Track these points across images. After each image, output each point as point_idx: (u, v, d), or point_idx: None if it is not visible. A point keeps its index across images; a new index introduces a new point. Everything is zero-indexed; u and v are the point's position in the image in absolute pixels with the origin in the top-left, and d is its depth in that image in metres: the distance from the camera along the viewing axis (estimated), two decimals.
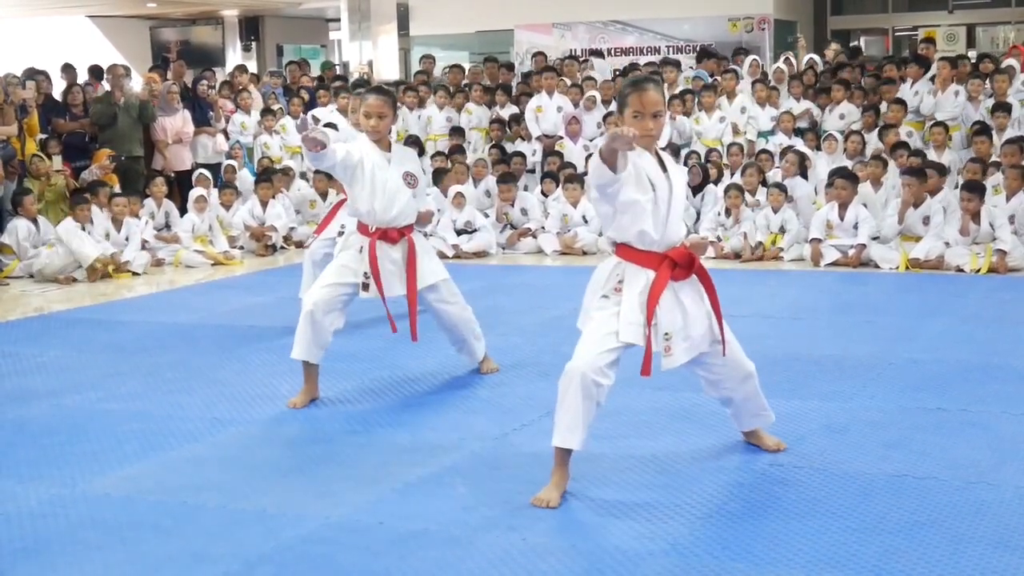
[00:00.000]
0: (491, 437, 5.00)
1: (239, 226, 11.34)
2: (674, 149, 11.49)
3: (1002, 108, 11.11)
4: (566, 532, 3.95)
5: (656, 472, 4.49)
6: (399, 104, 11.71)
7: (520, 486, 4.29)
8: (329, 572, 3.65)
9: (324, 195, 11.60)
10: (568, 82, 13.05)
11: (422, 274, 5.68)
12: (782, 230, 10.33)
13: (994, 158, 10.44)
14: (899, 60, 13.27)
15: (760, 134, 12.27)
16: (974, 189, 9.57)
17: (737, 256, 10.23)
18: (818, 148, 11.67)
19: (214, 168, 12.46)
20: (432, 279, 5.74)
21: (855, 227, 9.79)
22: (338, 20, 20.96)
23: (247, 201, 11.59)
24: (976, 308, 7.94)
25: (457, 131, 12.93)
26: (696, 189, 11.06)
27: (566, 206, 11.10)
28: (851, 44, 18.38)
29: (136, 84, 13.36)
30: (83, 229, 9.98)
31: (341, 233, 6.33)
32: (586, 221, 10.89)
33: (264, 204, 11.40)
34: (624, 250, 4.24)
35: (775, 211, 10.36)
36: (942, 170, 10.23)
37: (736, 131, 12.18)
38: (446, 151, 12.43)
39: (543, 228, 11.23)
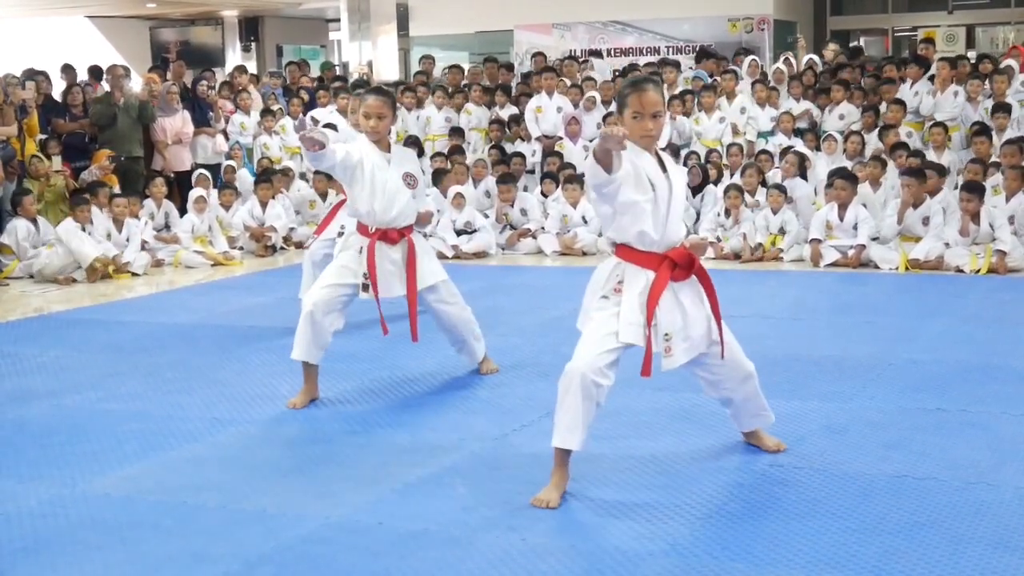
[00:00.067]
0: (491, 437, 5.00)
1: (239, 227, 11.35)
2: (674, 149, 11.49)
3: (1002, 109, 11.11)
4: (566, 532, 3.95)
5: (656, 472, 4.49)
6: (398, 105, 11.70)
7: (520, 486, 4.29)
8: (329, 572, 3.65)
9: (324, 196, 11.60)
10: (568, 82, 13.05)
11: (422, 275, 5.68)
12: (782, 231, 10.34)
13: (994, 158, 10.44)
14: (899, 60, 13.28)
15: (760, 134, 12.27)
16: (974, 190, 9.58)
17: (737, 257, 10.23)
18: (818, 148, 11.67)
19: (214, 169, 12.46)
20: (432, 280, 5.74)
21: (855, 228, 9.79)
22: (338, 20, 20.96)
23: (247, 202, 11.59)
24: (976, 309, 7.94)
25: (457, 132, 12.92)
26: (696, 190, 11.06)
27: (566, 207, 11.11)
28: (851, 44, 18.38)
29: (136, 84, 13.36)
30: (83, 230, 9.98)
31: (341, 234, 6.33)
32: (586, 221, 10.89)
33: (264, 205, 11.40)
34: (624, 251, 4.24)
35: (774, 212, 10.36)
36: (941, 171, 10.23)
37: (736, 131, 12.18)
38: (446, 152, 12.43)
39: (543, 229, 11.23)
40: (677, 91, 12.66)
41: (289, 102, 13.33)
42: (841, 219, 9.85)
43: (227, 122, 13.32)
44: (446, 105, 13.23)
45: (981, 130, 10.89)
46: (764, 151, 11.58)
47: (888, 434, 4.91)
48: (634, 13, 18.23)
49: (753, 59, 13.55)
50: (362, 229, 5.67)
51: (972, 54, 16.53)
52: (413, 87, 13.72)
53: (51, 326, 8.00)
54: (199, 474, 4.63)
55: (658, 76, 11.20)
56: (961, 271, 9.29)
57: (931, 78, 12.05)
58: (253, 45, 23.32)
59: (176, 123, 12.62)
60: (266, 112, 13.25)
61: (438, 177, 11.43)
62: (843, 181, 9.95)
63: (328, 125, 8.53)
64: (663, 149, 4.76)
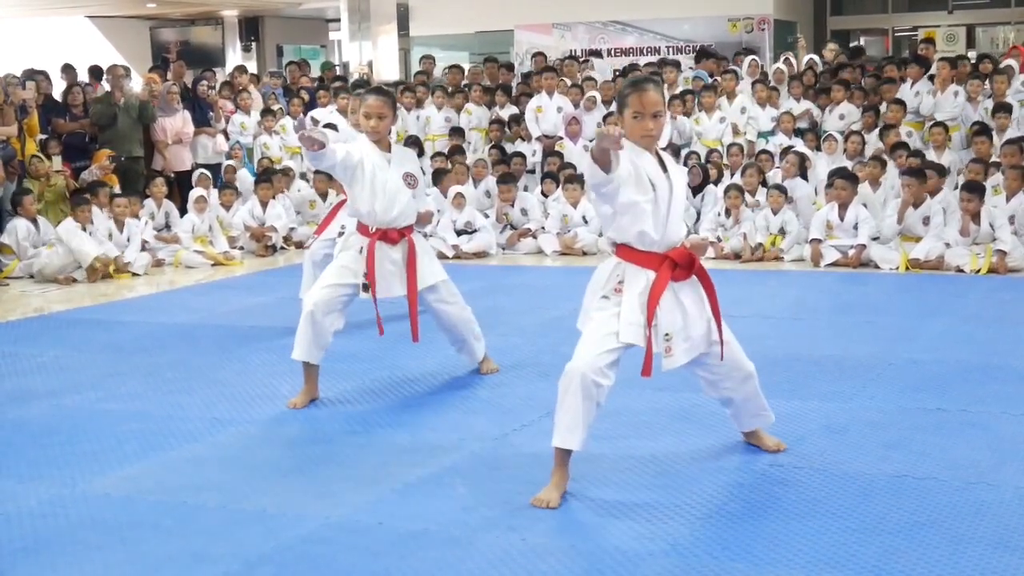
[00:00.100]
0: (491, 437, 5.00)
1: (239, 226, 11.35)
2: (674, 149, 11.50)
3: (1003, 109, 11.10)
4: (566, 532, 3.95)
5: (656, 472, 4.49)
6: (397, 105, 11.71)
7: (520, 486, 4.29)
8: (329, 572, 3.65)
9: (324, 196, 11.60)
10: (568, 82, 13.05)
11: (422, 275, 5.68)
12: (782, 232, 10.33)
13: (994, 158, 10.44)
14: (899, 60, 13.28)
15: (760, 134, 12.27)
16: (974, 189, 9.58)
17: (737, 256, 10.23)
18: (818, 148, 11.67)
19: (214, 168, 12.46)
20: (432, 280, 5.74)
21: (855, 227, 9.79)
22: (338, 20, 20.96)
23: (247, 201, 11.59)
24: (976, 308, 7.94)
25: (457, 131, 12.92)
26: (696, 190, 11.06)
27: (566, 206, 11.11)
28: (851, 44, 18.38)
29: (136, 84, 13.36)
30: (84, 230, 9.98)
31: (341, 234, 6.33)
32: (586, 221, 10.89)
33: (264, 204, 11.41)
34: (624, 251, 4.24)
35: (775, 213, 10.36)
36: (941, 171, 10.24)
37: (736, 131, 12.18)
38: (446, 152, 12.43)
39: (543, 228, 11.23)
40: (677, 91, 12.67)
41: (289, 102, 13.34)
42: (841, 219, 9.85)
43: (227, 122, 13.32)
44: (446, 105, 13.23)
45: (981, 130, 10.89)
46: (764, 151, 11.59)
47: (888, 434, 4.91)
48: (634, 13, 18.23)
49: (753, 59, 13.55)
50: (362, 229, 5.66)
51: (972, 54, 16.53)
52: (412, 87, 13.72)
53: (51, 326, 8.00)
54: (199, 474, 4.63)
55: (658, 76, 11.21)
56: (961, 271, 9.29)
57: (931, 78, 12.05)
58: (253, 45, 23.32)
59: (176, 123, 12.62)
60: (266, 112, 13.26)
61: (438, 177, 11.43)
62: (843, 181, 9.95)
63: (328, 125, 8.55)
64: (664, 149, 4.76)
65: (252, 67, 19.36)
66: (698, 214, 11.08)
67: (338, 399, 5.69)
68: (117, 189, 11.37)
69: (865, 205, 10.04)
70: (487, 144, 12.80)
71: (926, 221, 9.73)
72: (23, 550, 3.88)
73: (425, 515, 4.08)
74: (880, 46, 20.21)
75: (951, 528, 3.85)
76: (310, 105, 13.09)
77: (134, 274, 10.14)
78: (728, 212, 10.58)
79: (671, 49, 17.69)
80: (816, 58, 13.79)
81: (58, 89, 13.08)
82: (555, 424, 4.17)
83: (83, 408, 5.68)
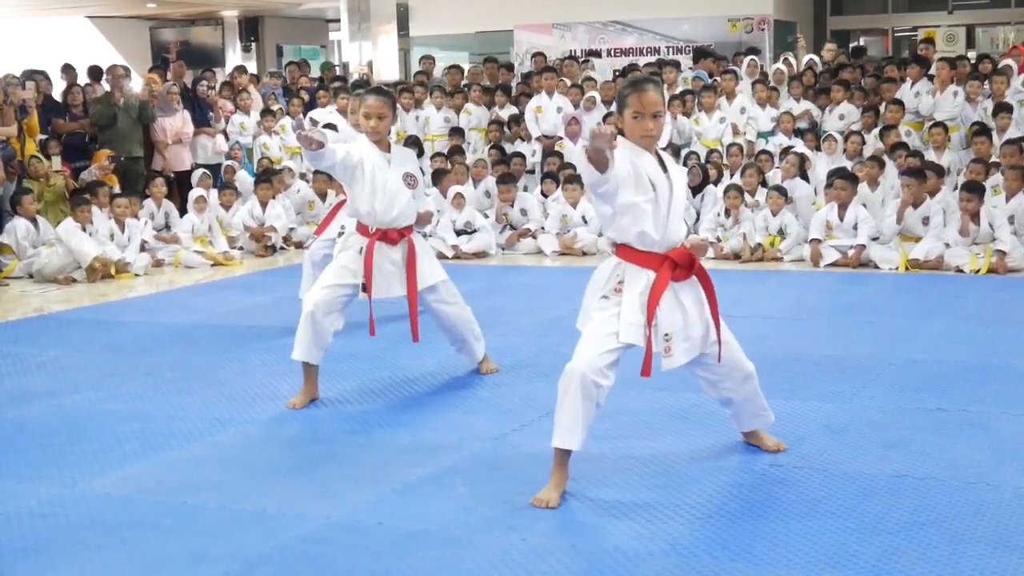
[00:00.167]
0: (491, 437, 5.00)
1: (239, 227, 11.35)
2: (674, 149, 11.50)
3: (1004, 109, 11.10)
4: (566, 532, 3.95)
5: (656, 472, 4.49)
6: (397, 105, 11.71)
7: (520, 486, 4.29)
8: (329, 572, 3.65)
9: (323, 196, 11.60)
10: (568, 82, 13.05)
11: (422, 275, 5.68)
12: (781, 233, 10.33)
13: (993, 158, 10.44)
14: (899, 61, 13.28)
15: (760, 135, 12.28)
16: (973, 189, 9.58)
17: (737, 257, 10.23)
18: (818, 149, 11.67)
19: (214, 169, 12.46)
20: (432, 280, 5.74)
21: (855, 228, 9.80)
22: (338, 21, 20.97)
23: (247, 202, 11.59)
24: (976, 309, 7.95)
25: (457, 132, 12.92)
26: (696, 190, 11.06)
27: (566, 207, 11.11)
28: (851, 44, 18.39)
29: (136, 85, 13.36)
30: (83, 230, 9.98)
31: (341, 234, 6.33)
32: (586, 221, 10.89)
33: (264, 205, 11.41)
34: (624, 251, 4.24)
35: (774, 214, 10.36)
36: (939, 171, 10.24)
37: (736, 132, 12.18)
38: (446, 152, 12.43)
39: (543, 229, 11.23)
40: (677, 91, 12.67)
41: (289, 102, 13.34)
42: (841, 219, 9.85)
43: (227, 122, 13.32)
44: (445, 105, 13.23)
45: (981, 130, 10.89)
46: (764, 151, 11.59)
47: (888, 434, 4.92)
48: (634, 13, 18.24)
49: (752, 59, 13.55)
50: (362, 229, 5.67)
51: (972, 54, 16.53)
52: (411, 87, 13.72)
53: (51, 326, 8.00)
54: (199, 474, 4.63)
55: (658, 76, 11.22)
56: (961, 271, 9.30)
57: (931, 78, 12.06)
58: (253, 45, 23.33)
59: (176, 123, 12.62)
60: (266, 112, 13.26)
61: (438, 177, 11.43)
62: (843, 181, 9.95)
63: (328, 125, 8.56)
64: (664, 149, 4.76)
65: (252, 67, 19.37)
66: (698, 214, 11.09)
67: (338, 399, 5.69)
68: (117, 189, 11.36)
69: (864, 205, 10.04)
70: (487, 144, 12.80)
71: (926, 221, 9.74)
72: (23, 550, 3.89)
73: (425, 515, 4.08)
74: (880, 46, 20.22)
75: (951, 528, 3.85)
76: (310, 105, 13.10)
77: (135, 275, 10.14)
78: (728, 212, 10.58)
79: (671, 49, 17.69)
80: (816, 58, 13.81)
81: (58, 89, 13.07)
82: (555, 424, 4.17)
83: (83, 408, 5.68)
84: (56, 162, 11.40)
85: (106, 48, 21.59)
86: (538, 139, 12.60)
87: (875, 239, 9.86)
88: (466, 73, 14.48)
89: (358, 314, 5.85)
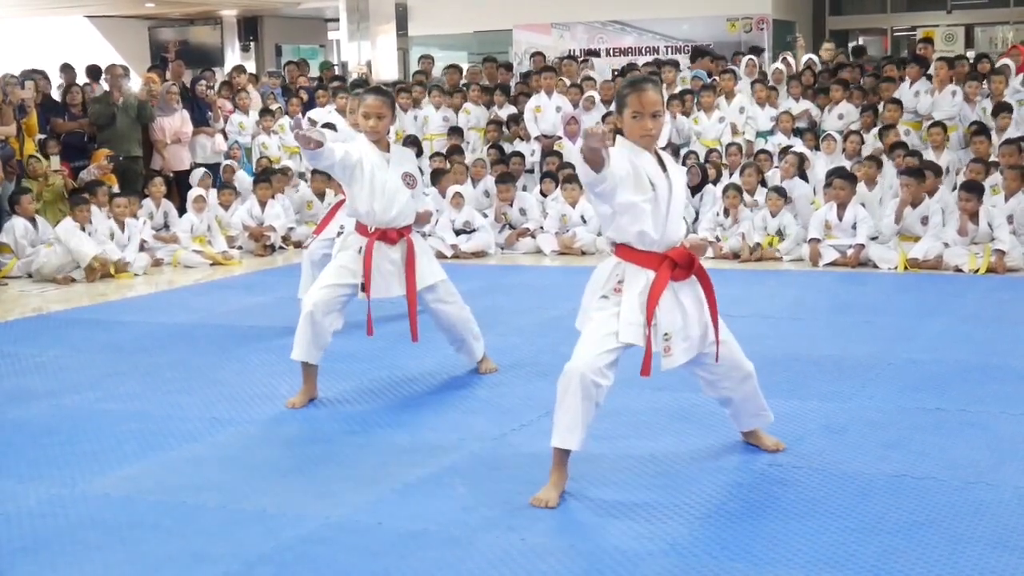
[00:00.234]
0: (490, 437, 5.00)
1: (238, 226, 11.35)
2: (674, 149, 11.50)
3: (1005, 109, 11.10)
4: (565, 532, 3.95)
5: (655, 472, 4.50)
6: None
7: (519, 486, 4.30)
8: (329, 572, 3.65)
9: (321, 196, 11.60)
10: (567, 82, 13.05)
11: (421, 275, 5.69)
12: (779, 234, 10.33)
13: (992, 158, 10.45)
14: (898, 60, 13.28)
15: (759, 134, 12.28)
16: (972, 189, 9.58)
17: (736, 256, 10.23)
18: (817, 148, 11.67)
19: (212, 168, 12.46)
20: (431, 280, 5.74)
21: (853, 227, 9.80)
22: (337, 20, 20.96)
23: (246, 201, 11.59)
24: (975, 308, 7.95)
25: (456, 131, 12.92)
26: (695, 189, 11.06)
27: (565, 206, 11.11)
28: (850, 44, 18.39)
29: (135, 84, 13.36)
30: (83, 230, 9.97)
31: (340, 234, 6.34)
32: (584, 221, 10.89)
33: (263, 204, 11.41)
34: (624, 250, 4.24)
35: (773, 215, 10.36)
36: (938, 170, 10.24)
37: (735, 131, 12.18)
38: (444, 151, 12.43)
39: (542, 228, 11.23)
40: (676, 91, 12.67)
41: (288, 102, 13.34)
42: (840, 219, 9.86)
43: (226, 122, 13.32)
44: (444, 105, 13.23)
45: (980, 130, 10.89)
46: (763, 151, 11.59)
47: (887, 434, 4.92)
48: (633, 13, 18.24)
49: (751, 59, 13.54)
50: (361, 229, 5.67)
51: (971, 54, 16.54)
52: (409, 87, 13.71)
53: (50, 326, 8.00)
54: (199, 474, 4.63)
55: (657, 76, 11.22)
56: (960, 271, 9.30)
57: (930, 77, 12.05)
58: (252, 45, 23.32)
59: (175, 123, 12.61)
60: (265, 112, 13.26)
61: (437, 177, 11.43)
62: (842, 181, 9.96)
63: (327, 125, 8.54)
64: (663, 149, 4.76)
65: (251, 67, 19.36)
66: (697, 214, 11.09)
67: (337, 399, 5.69)
68: (116, 189, 11.36)
69: (863, 205, 10.04)
70: (485, 144, 12.79)
71: (924, 221, 9.74)
72: (23, 550, 3.89)
73: (425, 515, 4.08)
74: (879, 46, 20.22)
75: (950, 528, 3.86)
76: (309, 105, 13.09)
77: (134, 274, 10.14)
78: (727, 212, 10.58)
79: (670, 49, 17.69)
80: (815, 58, 13.80)
81: (57, 89, 13.06)
82: (554, 424, 4.17)
83: (83, 408, 5.68)
84: (55, 162, 11.39)
85: (105, 48, 21.59)
86: (537, 139, 12.60)
87: (874, 239, 9.87)
88: (465, 73, 14.47)
89: (357, 314, 5.86)
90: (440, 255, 9.74)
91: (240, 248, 11.20)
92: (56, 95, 12.85)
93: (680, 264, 4.24)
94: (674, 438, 4.92)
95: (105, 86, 12.82)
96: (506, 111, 13.09)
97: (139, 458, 4.83)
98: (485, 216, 11.31)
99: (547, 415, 4.42)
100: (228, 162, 12.40)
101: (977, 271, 9.22)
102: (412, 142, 12.18)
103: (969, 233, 9.51)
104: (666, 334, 4.23)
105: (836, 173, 10.22)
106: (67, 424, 5.37)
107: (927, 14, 19.75)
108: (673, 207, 4.25)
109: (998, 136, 10.86)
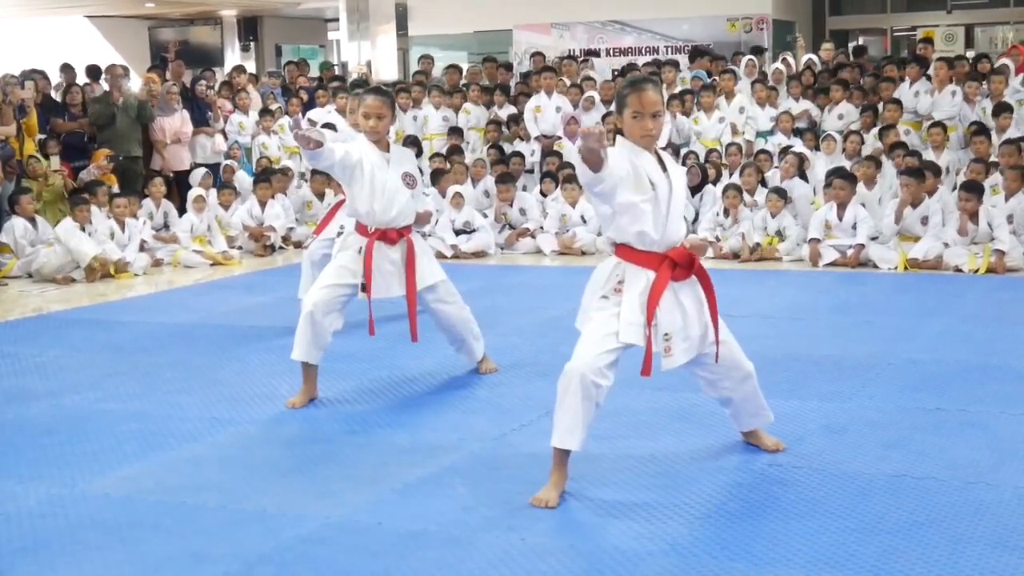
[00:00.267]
0: (490, 437, 5.01)
1: (238, 226, 11.35)
2: (674, 149, 11.50)
3: (1005, 109, 11.10)
4: (565, 532, 3.95)
5: (655, 472, 4.50)
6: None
7: (519, 486, 4.30)
8: (329, 572, 3.66)
9: (321, 196, 11.60)
10: (567, 82, 13.05)
11: (421, 275, 5.69)
12: (779, 235, 10.33)
13: (992, 158, 10.45)
14: (898, 60, 13.28)
15: (759, 134, 12.28)
16: (972, 189, 9.58)
17: (736, 256, 10.23)
18: (817, 148, 11.67)
19: (213, 168, 12.46)
20: (431, 280, 5.74)
21: (853, 227, 9.80)
22: (337, 20, 20.97)
23: (245, 201, 11.59)
24: (975, 308, 7.95)
25: (455, 131, 12.92)
26: (695, 189, 11.06)
27: (564, 206, 11.11)
28: (850, 44, 18.39)
29: (134, 84, 13.36)
30: (83, 230, 9.97)
31: (340, 234, 6.34)
32: (584, 221, 10.90)
33: (263, 204, 11.41)
34: (624, 250, 4.24)
35: (773, 216, 10.36)
36: (937, 170, 10.25)
37: (735, 131, 12.18)
38: (444, 151, 12.43)
39: (541, 228, 11.23)
40: (676, 91, 12.67)
41: (288, 102, 13.34)
42: (840, 219, 9.86)
43: (226, 122, 13.32)
44: (443, 105, 13.23)
45: (980, 130, 10.89)
46: (763, 151, 11.59)
47: (887, 434, 4.92)
48: (633, 13, 18.24)
49: (751, 59, 13.54)
50: (361, 229, 5.67)
51: (971, 54, 16.53)
52: (409, 87, 13.72)
53: (50, 326, 8.00)
54: (199, 474, 4.63)
55: (657, 76, 11.22)
56: (960, 271, 9.30)
57: (930, 78, 12.05)
58: (252, 45, 23.32)
59: (175, 123, 12.61)
60: (265, 112, 13.26)
61: (437, 177, 11.43)
62: (842, 181, 9.96)
63: (327, 125, 8.54)
64: (663, 149, 4.76)
65: (251, 67, 19.36)
66: (697, 214, 11.09)
67: (337, 399, 5.70)
68: (116, 189, 11.36)
69: (863, 205, 10.04)
70: (485, 144, 12.79)
71: (924, 221, 9.74)
72: (23, 550, 3.89)
73: (425, 515, 4.08)
74: (879, 46, 20.22)
75: (950, 528, 3.86)
76: (308, 105, 13.09)
77: (134, 274, 10.14)
78: (727, 212, 10.58)
79: (670, 49, 17.69)
80: (815, 58, 13.80)
81: (56, 89, 13.06)
82: (554, 424, 4.17)
83: (83, 408, 5.68)
84: (55, 162, 11.40)
85: (105, 47, 21.59)
86: (537, 139, 12.60)
87: (874, 239, 9.87)
88: (465, 73, 14.47)
89: (357, 314, 5.86)
90: (440, 255, 9.74)
91: (240, 248, 11.20)
92: (56, 95, 12.84)
93: (680, 264, 4.24)
94: (674, 438, 4.92)
95: (105, 86, 12.83)
96: (506, 111, 13.09)
97: (139, 458, 4.84)
98: (485, 216, 11.31)
99: (547, 415, 4.42)
100: (228, 162, 12.40)
101: (977, 271, 9.22)
102: (412, 142, 12.18)
103: (969, 233, 9.51)
104: (666, 334, 4.23)
105: (836, 173, 10.22)
106: (67, 424, 5.37)
107: (927, 14, 19.75)
108: (673, 207, 4.25)
109: (998, 136, 10.86)
